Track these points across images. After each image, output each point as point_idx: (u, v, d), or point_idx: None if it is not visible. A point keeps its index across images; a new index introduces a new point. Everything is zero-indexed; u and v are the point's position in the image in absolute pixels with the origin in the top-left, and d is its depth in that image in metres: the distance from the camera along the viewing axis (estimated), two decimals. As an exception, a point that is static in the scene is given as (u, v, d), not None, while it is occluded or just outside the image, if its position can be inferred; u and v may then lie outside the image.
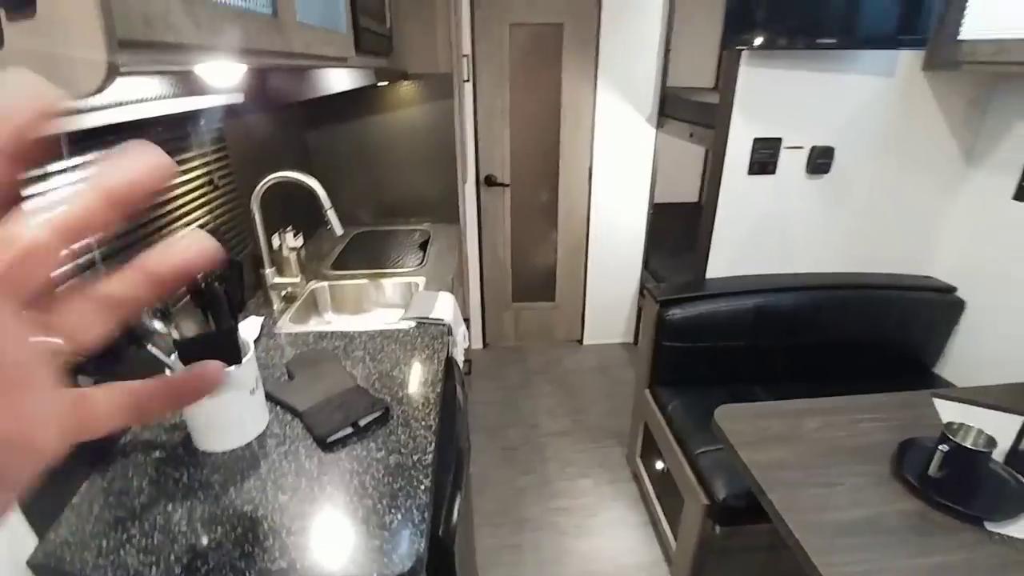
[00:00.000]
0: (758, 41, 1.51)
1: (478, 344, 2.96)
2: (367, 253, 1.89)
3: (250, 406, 0.93)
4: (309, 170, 2.09)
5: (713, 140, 1.77)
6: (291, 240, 1.65)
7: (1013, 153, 1.64)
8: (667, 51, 2.40)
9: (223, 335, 0.86)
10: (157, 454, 0.92)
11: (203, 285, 0.92)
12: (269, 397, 1.04)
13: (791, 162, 1.73)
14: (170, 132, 1.12)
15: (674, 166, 2.87)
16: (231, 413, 0.91)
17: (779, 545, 0.99)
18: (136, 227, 1.01)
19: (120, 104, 0.89)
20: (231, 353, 0.86)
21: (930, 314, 1.84)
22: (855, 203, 1.82)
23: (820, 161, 1.73)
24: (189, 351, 0.82)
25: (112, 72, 0.36)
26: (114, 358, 0.93)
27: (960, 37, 1.52)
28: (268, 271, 1.42)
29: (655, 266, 2.70)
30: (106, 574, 0.71)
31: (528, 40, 2.43)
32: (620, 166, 2.60)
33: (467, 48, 2.36)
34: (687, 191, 3.23)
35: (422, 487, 0.82)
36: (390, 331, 1.30)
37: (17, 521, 0.75)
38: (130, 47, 0.38)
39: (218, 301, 0.93)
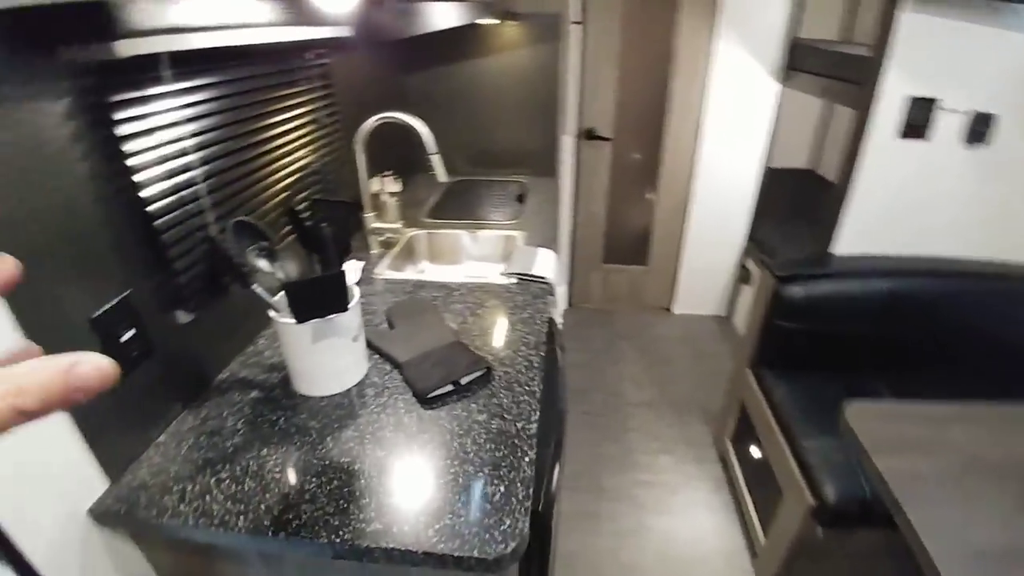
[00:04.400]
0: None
1: (562, 304, 2.89)
2: (463, 203, 1.84)
3: (352, 352, 0.92)
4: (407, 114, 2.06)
5: (857, 97, 1.52)
6: (391, 185, 1.63)
7: None
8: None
9: (330, 280, 0.83)
10: (255, 394, 0.92)
11: (311, 226, 0.90)
12: (369, 345, 1.03)
13: (947, 128, 1.45)
14: (276, 64, 1.08)
15: (786, 128, 2.55)
16: (333, 359, 0.90)
17: (885, 554, 0.87)
18: (244, 174, 1.00)
19: (224, 27, 0.86)
20: (337, 298, 0.83)
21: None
22: (1016, 180, 1.51)
23: (980, 129, 1.44)
24: (297, 294, 0.80)
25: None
26: (221, 293, 0.93)
27: None
28: (368, 215, 1.41)
29: (762, 236, 2.46)
30: (186, 521, 0.68)
31: None
32: (734, 124, 2.34)
33: (579, -15, 2.17)
34: (797, 156, 2.89)
35: (526, 459, 0.77)
36: (490, 285, 1.25)
37: (81, 462, 0.69)
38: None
39: (325, 244, 0.90)
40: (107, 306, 0.72)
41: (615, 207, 2.64)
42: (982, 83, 1.42)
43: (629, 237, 2.72)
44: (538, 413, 0.86)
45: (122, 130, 0.71)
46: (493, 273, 1.30)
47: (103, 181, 0.71)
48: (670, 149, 2.46)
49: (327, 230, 0.89)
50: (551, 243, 1.51)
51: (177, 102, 0.81)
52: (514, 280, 1.27)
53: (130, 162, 0.73)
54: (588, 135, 2.44)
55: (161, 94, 0.78)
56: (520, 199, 1.84)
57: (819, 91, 1.96)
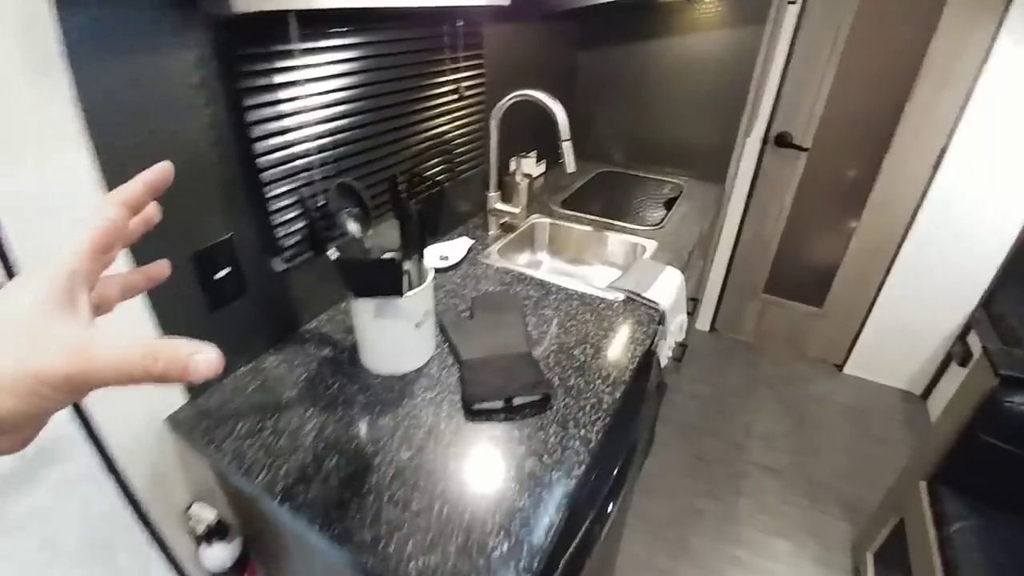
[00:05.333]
0: None
1: (704, 325, 2.56)
2: (605, 197, 1.67)
3: (412, 338, 0.86)
4: (572, 95, 1.93)
5: None
6: (529, 166, 1.54)
7: None
8: None
9: (381, 265, 0.78)
10: (326, 352, 0.92)
11: (402, 200, 0.85)
12: (443, 330, 0.97)
13: None
14: (417, 29, 1.03)
15: None
16: (391, 340, 0.85)
17: None
18: (364, 137, 0.98)
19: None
20: (391, 283, 0.77)
21: None
22: None
23: None
24: (346, 271, 0.77)
25: None
26: (319, 249, 0.94)
27: None
28: (492, 194, 1.34)
29: (1002, 310, 1.84)
30: (224, 458, 0.71)
31: None
32: (998, 155, 1.75)
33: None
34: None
35: (542, 523, 0.64)
36: (591, 297, 1.10)
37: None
38: None
39: (410, 221, 0.85)
40: (210, 243, 0.77)
41: (794, 230, 2.21)
42: None
43: (805, 270, 2.27)
44: (584, 467, 0.71)
45: (245, 83, 0.74)
46: (603, 282, 1.14)
47: (222, 129, 0.75)
48: (890, 174, 1.95)
49: (413, 209, 0.83)
50: (686, 263, 1.28)
51: (304, 61, 0.81)
52: (621, 297, 1.09)
53: (249, 116, 0.75)
54: (780, 141, 2.05)
55: (288, 51, 0.78)
56: (670, 204, 1.61)
57: None
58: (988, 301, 1.91)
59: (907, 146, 1.89)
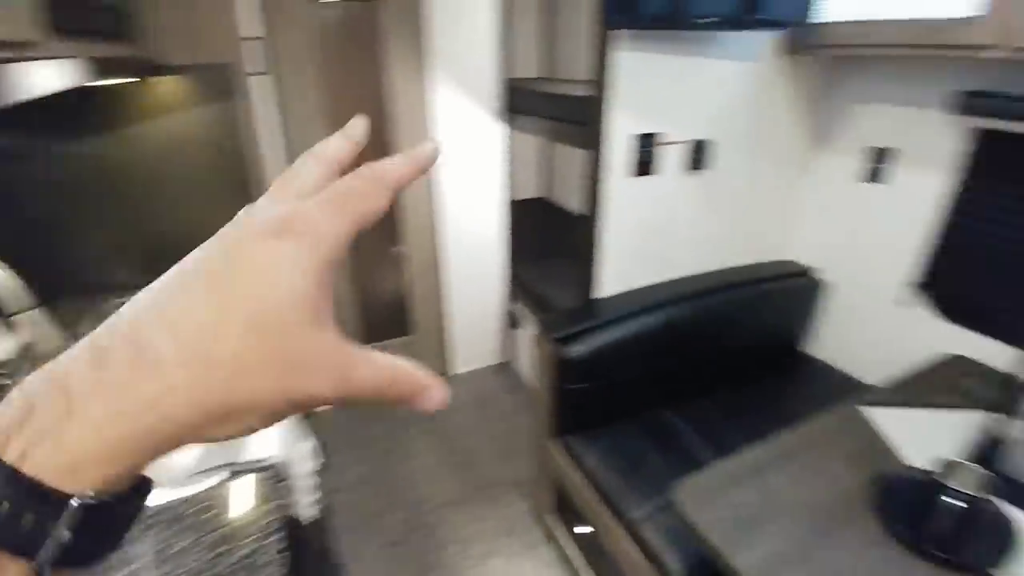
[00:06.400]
0: (634, 20, 1.26)
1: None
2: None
3: None
4: (34, 215, 1.34)
5: (586, 138, 1.50)
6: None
7: (855, 137, 1.66)
8: (506, 38, 2.09)
9: None
10: None
11: None
12: None
13: (671, 159, 1.55)
14: None
15: (518, 159, 2.60)
16: None
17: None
18: None
19: None
20: None
21: (800, 298, 1.85)
22: (729, 197, 1.72)
23: (698, 156, 1.57)
24: None
25: None
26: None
27: (819, 19, 1.45)
28: None
29: (521, 275, 2.42)
30: None
31: (338, 20, 1.93)
32: (469, 170, 2.25)
33: (255, 29, 1.77)
34: (528, 186, 2.99)
35: None
36: (178, 503, 0.77)
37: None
38: None
39: None
40: None
41: (360, 279, 2.29)
42: (696, 113, 1.53)
43: (385, 307, 2.40)
44: None
45: None
46: (181, 473, 0.81)
47: None
48: (410, 206, 2.23)
49: None
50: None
51: None
52: (223, 476, 0.81)
53: None
54: (310, 204, 2.04)
55: None
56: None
57: (547, 133, 1.97)
58: (513, 275, 2.47)
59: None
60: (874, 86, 1.59)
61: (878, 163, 1.63)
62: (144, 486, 0.20)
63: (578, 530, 1.55)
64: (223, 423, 0.19)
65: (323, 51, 1.92)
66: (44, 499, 0.17)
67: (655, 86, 1.44)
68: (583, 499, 1.42)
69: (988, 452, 1.01)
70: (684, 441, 1.43)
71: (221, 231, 0.22)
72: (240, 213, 0.23)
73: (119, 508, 0.19)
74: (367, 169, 0.25)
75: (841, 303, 1.82)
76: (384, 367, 0.22)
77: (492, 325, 2.58)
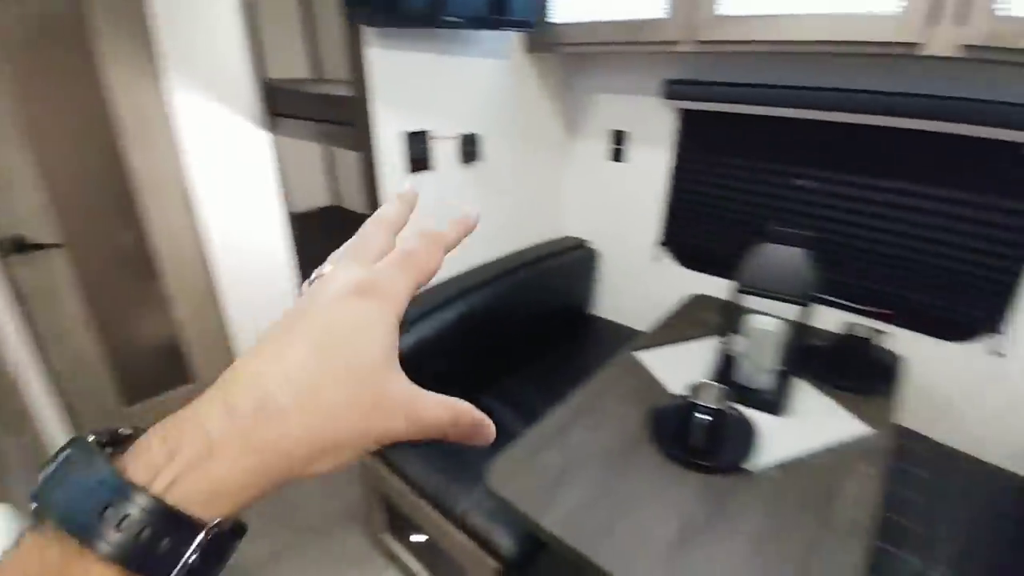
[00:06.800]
0: (385, 19, 1.24)
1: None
2: None
3: None
4: None
5: (355, 139, 1.45)
6: None
7: (599, 123, 1.90)
8: (256, 36, 1.90)
9: None
10: None
11: None
12: None
13: (444, 154, 1.58)
14: None
15: (297, 168, 2.42)
16: None
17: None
18: None
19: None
20: None
21: (580, 268, 2.06)
22: (504, 185, 1.82)
23: (469, 149, 1.63)
24: None
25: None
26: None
27: (552, 20, 1.61)
28: None
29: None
30: None
31: (36, 18, 1.53)
32: (233, 184, 2.00)
33: None
34: (317, 195, 2.81)
35: None
36: None
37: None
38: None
39: None
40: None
41: (113, 329, 1.88)
42: (462, 108, 1.57)
43: (155, 356, 2.03)
44: None
45: None
46: None
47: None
48: (163, 233, 1.90)
49: None
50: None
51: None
52: None
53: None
54: (18, 248, 1.60)
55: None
56: None
57: (314, 136, 1.84)
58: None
59: (158, 203, 1.86)
60: (606, 78, 1.83)
61: (618, 144, 1.88)
62: (241, 526, 0.23)
63: (414, 539, 1.51)
64: (326, 458, 0.23)
65: (19, 54, 1.51)
66: (182, 526, 0.20)
67: (419, 84, 1.45)
68: (412, 508, 1.38)
69: (725, 369, 1.24)
70: (498, 420, 1.47)
71: (312, 291, 0.26)
72: (325, 270, 0.27)
73: (230, 539, 0.22)
74: (425, 233, 0.29)
75: (612, 267, 2.08)
76: (448, 407, 0.26)
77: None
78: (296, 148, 2.22)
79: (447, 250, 0.30)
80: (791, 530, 0.88)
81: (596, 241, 2.08)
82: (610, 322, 2.09)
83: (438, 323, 1.48)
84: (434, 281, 1.32)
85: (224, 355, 2.16)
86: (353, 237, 0.30)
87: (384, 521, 1.58)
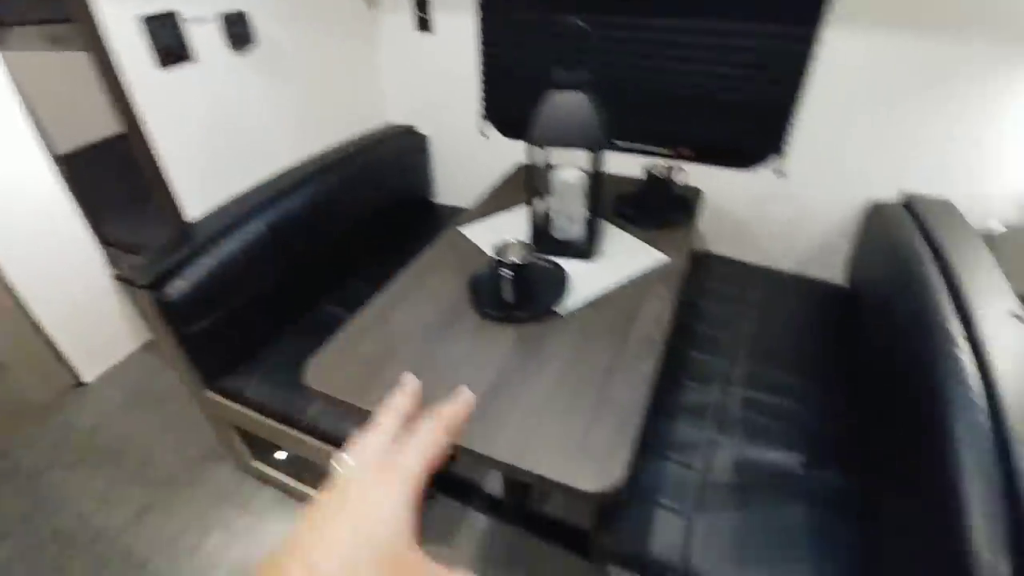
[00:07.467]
0: None
1: None
2: None
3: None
4: None
5: (85, 38, 1.16)
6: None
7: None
8: None
9: None
10: None
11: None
12: None
13: (206, 40, 1.33)
14: None
15: (56, 98, 1.95)
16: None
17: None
18: None
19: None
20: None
21: (412, 154, 1.97)
22: (293, 72, 1.61)
23: (237, 31, 1.39)
24: None
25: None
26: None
27: None
28: None
29: (115, 236, 1.95)
30: None
31: None
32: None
33: None
34: (100, 125, 2.34)
35: None
36: None
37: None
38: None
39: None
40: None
41: None
42: None
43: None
44: None
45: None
46: None
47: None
48: None
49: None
50: None
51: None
52: None
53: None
54: None
55: None
56: None
57: (45, 43, 1.47)
58: (104, 241, 1.97)
59: None
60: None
61: (422, 12, 1.72)
62: None
63: (278, 456, 1.49)
64: None
65: None
66: None
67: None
68: (265, 429, 1.34)
69: (544, 226, 1.27)
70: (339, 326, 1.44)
71: (340, 475, 0.31)
72: (346, 457, 0.32)
73: None
74: (433, 417, 0.34)
75: (443, 149, 2.01)
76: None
77: (110, 307, 2.07)
78: (51, 67, 1.76)
79: (455, 429, 0.35)
80: (595, 355, 0.97)
81: (423, 125, 1.96)
82: (449, 206, 2.06)
83: (243, 239, 1.34)
84: (234, 193, 1.13)
85: (23, 334, 1.84)
86: (369, 427, 0.34)
87: (245, 448, 1.53)
